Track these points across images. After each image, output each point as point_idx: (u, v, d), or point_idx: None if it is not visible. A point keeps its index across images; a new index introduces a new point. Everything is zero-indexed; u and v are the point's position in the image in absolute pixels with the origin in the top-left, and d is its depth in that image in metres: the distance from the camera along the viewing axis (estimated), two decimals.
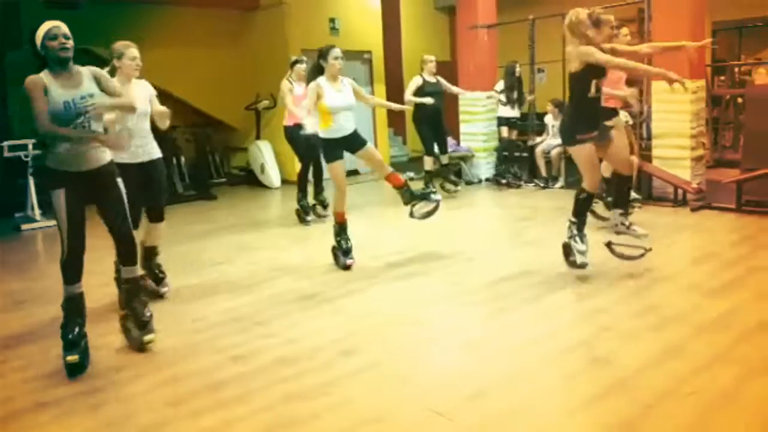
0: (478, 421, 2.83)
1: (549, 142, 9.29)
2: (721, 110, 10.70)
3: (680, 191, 7.24)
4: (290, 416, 2.96)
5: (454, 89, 8.72)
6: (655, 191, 7.55)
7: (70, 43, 3.49)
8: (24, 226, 7.86)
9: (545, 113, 9.55)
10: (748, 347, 3.43)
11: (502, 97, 8.98)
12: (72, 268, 3.54)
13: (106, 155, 3.65)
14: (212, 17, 10.65)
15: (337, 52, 5.21)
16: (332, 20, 10.90)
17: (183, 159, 10.19)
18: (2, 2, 8.76)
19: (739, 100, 10.44)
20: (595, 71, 4.54)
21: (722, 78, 11.67)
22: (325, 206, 7.44)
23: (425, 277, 5.05)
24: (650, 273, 4.76)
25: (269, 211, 9.12)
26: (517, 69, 8.95)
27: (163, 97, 4.71)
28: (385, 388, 3.22)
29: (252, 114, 10.76)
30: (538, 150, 9.29)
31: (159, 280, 4.82)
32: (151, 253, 4.84)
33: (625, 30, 5.82)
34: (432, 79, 8.24)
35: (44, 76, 3.46)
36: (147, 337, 3.78)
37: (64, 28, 3.51)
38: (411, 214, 5.56)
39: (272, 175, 10.45)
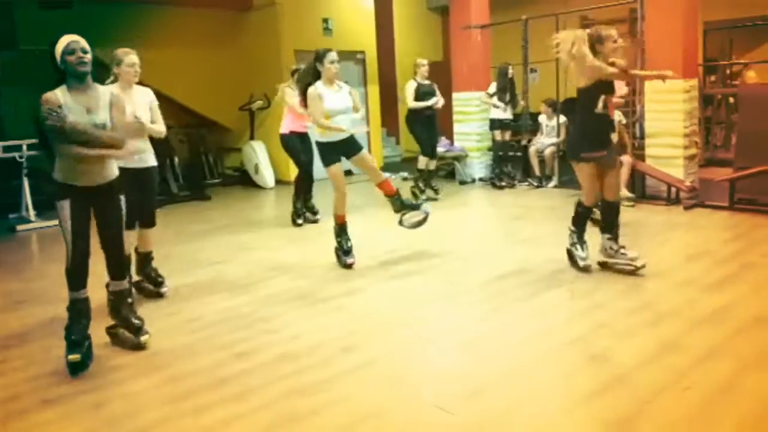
0: (478, 417, 2.86)
1: (542, 141, 9.35)
2: (712, 110, 10.79)
3: (673, 190, 7.30)
4: (292, 412, 2.98)
5: (440, 100, 8.41)
6: (649, 190, 7.61)
7: (88, 57, 3.49)
8: (19, 227, 7.84)
9: (538, 113, 9.61)
10: (743, 342, 3.48)
11: (495, 101, 8.97)
12: (77, 276, 3.57)
13: (114, 171, 3.68)
14: (205, 17, 10.64)
15: (333, 55, 5.20)
16: (325, 20, 10.91)
17: (177, 160, 10.18)
18: None
19: (731, 99, 10.53)
20: (604, 87, 4.59)
21: (712, 78, 11.76)
22: (314, 212, 7.47)
23: (422, 276, 5.07)
24: (645, 270, 4.79)
25: (264, 212, 9.12)
26: (510, 70, 8.97)
27: (157, 97, 4.71)
28: (385, 385, 3.24)
29: (246, 114, 10.76)
30: (532, 149, 9.34)
31: (158, 284, 4.84)
32: (145, 259, 4.85)
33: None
34: (426, 82, 8.25)
35: (60, 93, 3.45)
36: (143, 338, 3.81)
37: (82, 42, 3.50)
38: (400, 223, 5.60)
39: (266, 176, 10.46)
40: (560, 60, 4.85)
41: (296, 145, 7.30)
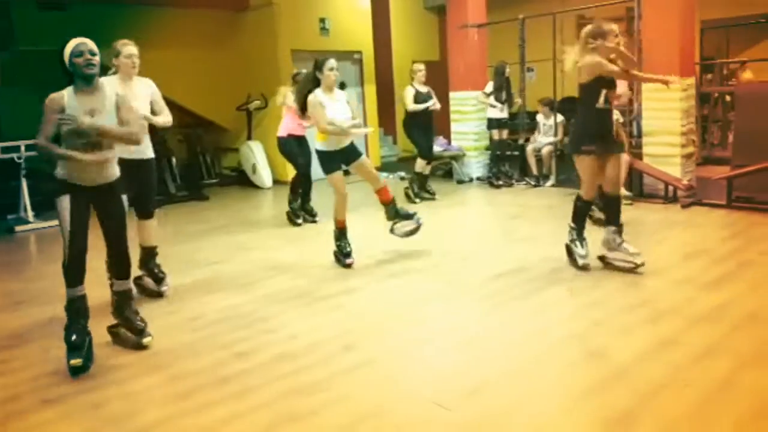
0: (478, 414, 2.87)
1: (540, 140, 9.37)
2: (709, 108, 10.82)
3: (671, 188, 7.32)
4: (291, 412, 2.98)
5: (436, 103, 8.32)
6: (646, 188, 7.63)
7: (96, 59, 3.51)
8: (17, 228, 7.84)
9: (536, 112, 9.62)
10: (740, 339, 3.50)
11: (492, 100, 8.98)
12: (74, 272, 3.55)
13: (116, 171, 3.69)
14: (202, 18, 10.64)
15: (332, 63, 5.23)
16: (322, 20, 10.91)
17: (174, 160, 10.17)
18: None
19: (728, 98, 10.56)
20: (605, 82, 4.63)
21: (708, 76, 11.78)
22: (312, 215, 7.47)
23: (420, 275, 5.09)
24: (643, 268, 4.81)
25: (262, 212, 9.12)
26: (507, 69, 8.98)
27: None
28: (385, 384, 3.25)
29: (243, 115, 10.76)
30: (529, 148, 9.36)
31: (159, 279, 4.84)
32: (149, 254, 4.86)
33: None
34: (423, 89, 8.21)
35: (67, 94, 3.48)
36: (145, 340, 3.82)
37: (90, 45, 3.51)
38: (391, 231, 5.64)
39: (264, 176, 10.46)
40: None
41: (293, 148, 7.31)
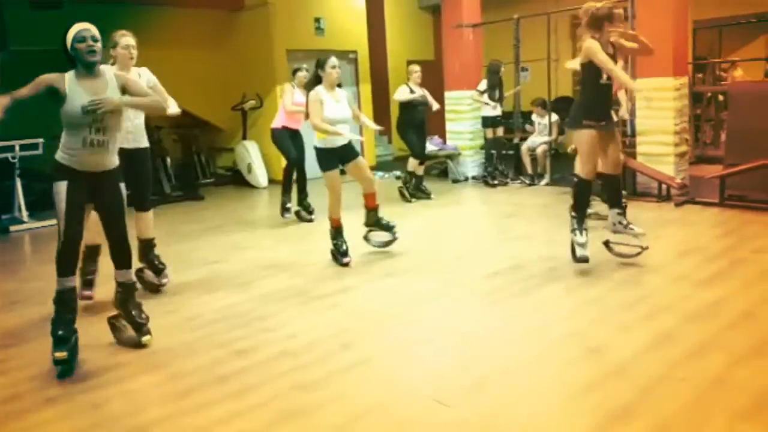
0: (479, 411, 2.89)
1: (534, 139, 9.42)
2: (702, 107, 10.89)
3: (664, 187, 7.37)
4: (291, 410, 2.99)
5: (434, 104, 8.43)
6: (640, 187, 7.69)
7: (98, 46, 3.50)
8: (12, 228, 7.81)
9: (530, 112, 9.68)
10: (735, 335, 3.53)
11: (485, 98, 9.00)
12: (67, 260, 3.49)
13: (116, 160, 3.67)
14: (197, 18, 10.63)
15: (333, 61, 5.28)
16: (317, 20, 10.94)
17: (169, 160, 10.17)
18: None
19: (720, 97, 10.63)
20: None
21: (699, 75, 11.85)
22: (310, 211, 7.49)
23: (417, 274, 5.11)
24: (638, 265, 4.86)
25: (257, 211, 9.13)
26: (502, 69, 9.01)
27: None
28: (385, 381, 3.26)
29: (238, 114, 10.75)
30: (524, 147, 9.41)
31: (159, 271, 4.86)
32: (147, 245, 4.89)
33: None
34: (418, 90, 8.24)
35: (68, 77, 3.47)
36: (144, 338, 3.80)
37: (93, 31, 3.52)
38: (365, 238, 5.69)
39: (259, 175, 10.47)
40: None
41: (286, 139, 7.39)
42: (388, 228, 5.68)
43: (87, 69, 3.50)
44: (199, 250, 6.33)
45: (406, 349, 3.67)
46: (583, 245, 4.81)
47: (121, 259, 3.79)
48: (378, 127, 5.97)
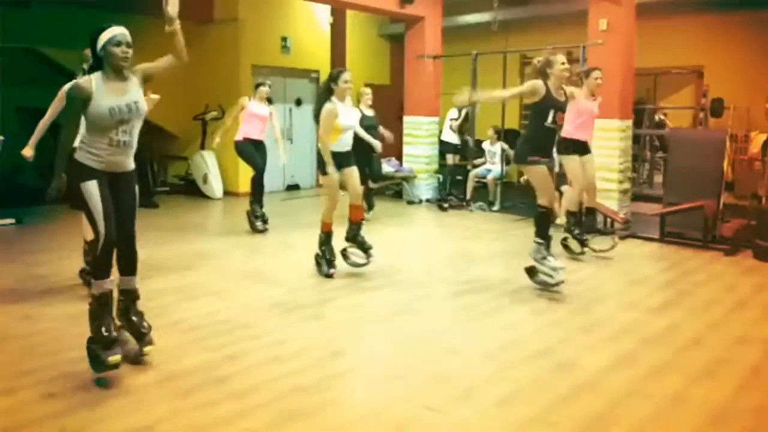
0: (469, 415, 3.16)
1: (486, 167, 9.89)
2: (638, 148, 11.62)
3: (608, 220, 7.89)
4: (287, 413, 3.15)
5: (384, 132, 8.32)
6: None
7: (130, 53, 3.57)
8: None
9: (484, 140, 10.16)
10: (688, 357, 3.94)
11: (454, 125, 9.53)
12: (106, 260, 3.45)
13: (133, 162, 3.69)
14: (164, 26, 10.57)
15: (347, 76, 5.53)
16: (284, 39, 11.14)
17: None
18: None
19: (656, 141, 11.43)
20: (555, 104, 5.13)
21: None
22: (264, 221, 7.64)
23: (392, 289, 5.35)
24: (592, 292, 5.28)
25: (217, 221, 9.18)
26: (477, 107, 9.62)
27: None
28: (379, 387, 3.50)
29: (197, 124, 10.77)
30: (472, 174, 9.86)
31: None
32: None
33: (597, 73, 6.45)
34: (369, 112, 8.33)
35: (95, 80, 3.48)
36: (146, 349, 3.70)
37: (128, 37, 3.58)
38: (343, 252, 5.79)
39: (215, 186, 10.49)
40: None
41: (249, 149, 7.60)
42: (365, 249, 5.75)
43: (116, 73, 3.54)
44: (164, 257, 6.30)
45: (393, 359, 3.91)
46: (557, 270, 5.13)
47: (128, 263, 3.76)
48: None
